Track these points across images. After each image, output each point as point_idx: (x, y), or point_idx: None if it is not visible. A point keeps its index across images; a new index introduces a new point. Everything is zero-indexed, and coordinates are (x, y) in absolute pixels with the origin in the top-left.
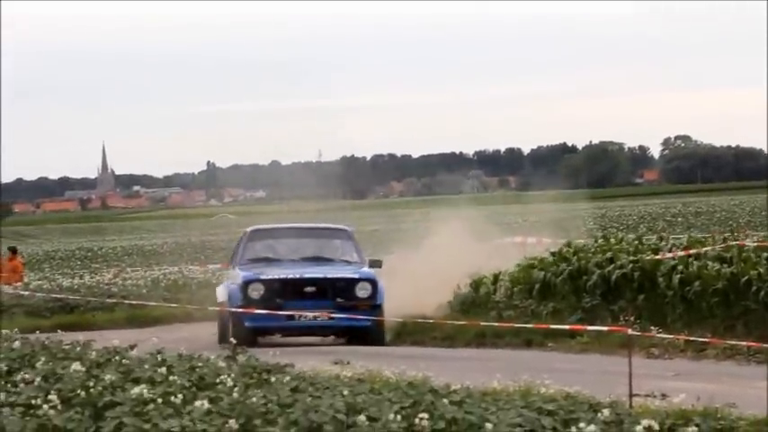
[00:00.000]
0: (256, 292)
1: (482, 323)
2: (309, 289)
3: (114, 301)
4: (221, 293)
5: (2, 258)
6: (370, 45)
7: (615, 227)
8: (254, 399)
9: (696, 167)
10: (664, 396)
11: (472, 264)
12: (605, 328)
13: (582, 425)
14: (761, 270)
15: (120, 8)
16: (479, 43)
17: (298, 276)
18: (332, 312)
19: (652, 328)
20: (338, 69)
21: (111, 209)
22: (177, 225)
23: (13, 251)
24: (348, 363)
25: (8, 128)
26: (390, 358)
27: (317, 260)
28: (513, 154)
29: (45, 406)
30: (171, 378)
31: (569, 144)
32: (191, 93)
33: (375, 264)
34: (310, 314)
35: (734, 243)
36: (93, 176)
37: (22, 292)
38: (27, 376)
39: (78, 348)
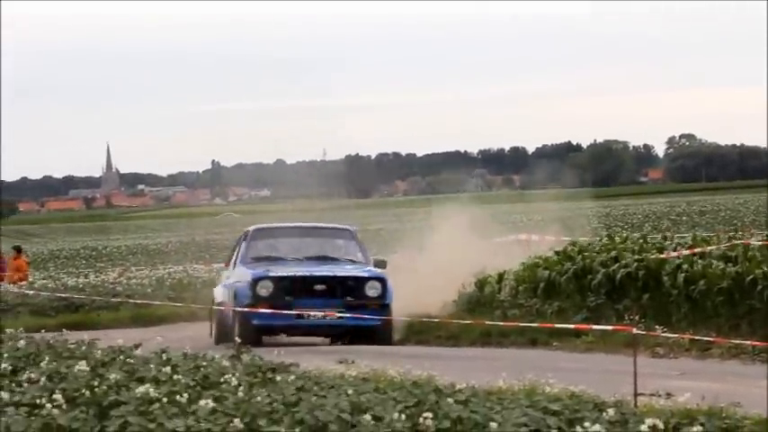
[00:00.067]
0: (265, 289)
1: (487, 322)
2: (319, 287)
3: (119, 300)
4: (220, 293)
5: (4, 257)
6: (373, 44)
7: (620, 226)
8: (259, 398)
9: (701, 166)
10: (668, 395)
11: (477, 263)
12: (610, 328)
13: (587, 424)
14: (766, 269)
15: (123, 7)
16: (482, 43)
17: (307, 274)
18: (341, 311)
19: (657, 327)
20: (341, 68)
21: (116, 208)
22: (182, 224)
23: (18, 250)
24: (353, 362)
25: (12, 127)
26: (395, 357)
27: (322, 259)
28: (518, 153)
29: (49, 405)
30: (175, 377)
31: (574, 143)
32: (194, 92)
33: (380, 264)
34: (319, 313)
35: (739, 242)
36: (97, 175)
37: (27, 292)
38: (32, 375)
39: (83, 347)
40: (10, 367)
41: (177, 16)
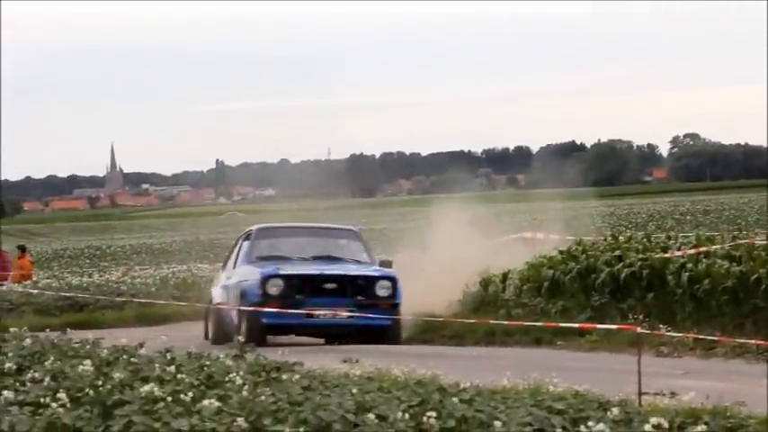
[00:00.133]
0: (275, 287)
1: (491, 321)
2: (329, 286)
3: (123, 299)
4: (219, 294)
5: (8, 256)
6: (376, 44)
7: (624, 225)
8: (263, 397)
9: (705, 165)
10: (673, 394)
11: (481, 262)
12: (614, 327)
13: (591, 423)
14: None
15: (126, 7)
16: (484, 42)
17: (318, 273)
18: (351, 311)
19: (661, 326)
20: (345, 68)
21: (120, 207)
22: (186, 223)
23: (23, 249)
24: (357, 361)
25: (16, 127)
26: (399, 356)
27: (328, 259)
28: (522, 152)
29: (54, 404)
30: (180, 377)
31: (578, 142)
32: (199, 91)
33: (385, 264)
34: (330, 312)
35: (743, 241)
36: (101, 175)
37: (31, 291)
38: (36, 375)
39: (87, 347)
40: (15, 366)
41: (182, 16)
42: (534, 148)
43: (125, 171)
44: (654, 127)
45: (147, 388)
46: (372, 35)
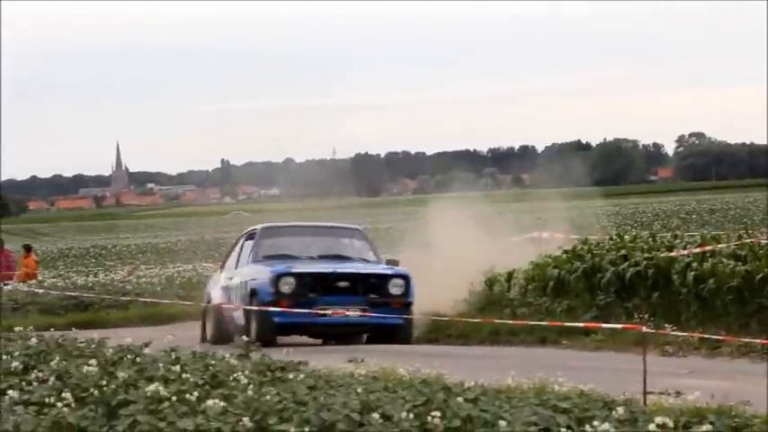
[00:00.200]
0: (288, 286)
1: (496, 321)
2: (342, 284)
3: (128, 298)
4: (218, 295)
5: (12, 255)
6: (381, 44)
7: (629, 224)
8: (269, 397)
9: (710, 165)
10: (678, 394)
11: (486, 261)
12: (619, 326)
13: (596, 423)
14: None
15: (129, 6)
16: (485, 42)
17: (331, 271)
18: (364, 309)
19: (666, 325)
20: (351, 67)
21: (126, 206)
22: (191, 222)
23: (28, 249)
24: (362, 361)
25: (21, 126)
26: (404, 356)
27: (336, 258)
28: (527, 151)
29: (59, 404)
30: (184, 376)
31: (583, 141)
32: (203, 90)
33: (392, 263)
34: (342, 310)
35: (748, 240)
36: (107, 174)
37: (37, 290)
38: (41, 374)
39: (93, 346)
40: (21, 366)
41: (185, 15)
42: (539, 148)
43: (130, 170)
44: (658, 126)
45: (151, 387)
46: (374, 35)
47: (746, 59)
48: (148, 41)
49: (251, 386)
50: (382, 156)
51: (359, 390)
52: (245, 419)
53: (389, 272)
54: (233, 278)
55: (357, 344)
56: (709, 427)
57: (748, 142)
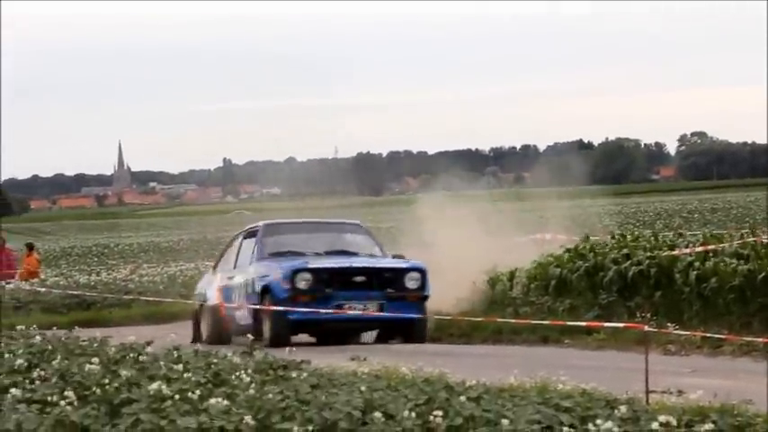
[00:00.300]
0: (304, 282)
1: (498, 320)
2: (359, 279)
3: (131, 297)
4: (216, 295)
5: (13, 254)
6: (383, 43)
7: (632, 223)
8: (271, 395)
9: (712, 164)
10: (680, 392)
11: (488, 260)
12: (622, 325)
13: (599, 421)
14: None
15: (131, 6)
16: (486, 41)
17: (347, 265)
18: (381, 304)
19: (668, 324)
20: (352, 67)
21: (128, 205)
22: (193, 221)
23: (30, 247)
24: (365, 359)
25: (23, 125)
26: (407, 355)
27: (343, 254)
28: (529, 151)
29: (62, 402)
30: (187, 375)
31: (585, 141)
32: (206, 90)
33: (397, 258)
34: (359, 306)
35: (751, 240)
36: (109, 173)
37: (39, 289)
38: (43, 373)
39: (95, 345)
40: (25, 364)
41: (187, 14)
42: (541, 147)
43: (132, 169)
44: (660, 126)
45: (154, 386)
46: (375, 34)
47: (748, 59)
48: (150, 41)
49: (253, 385)
50: (384, 155)
51: (362, 388)
52: (248, 418)
53: (405, 265)
54: (233, 277)
55: (357, 343)
56: (711, 425)
57: (750, 141)
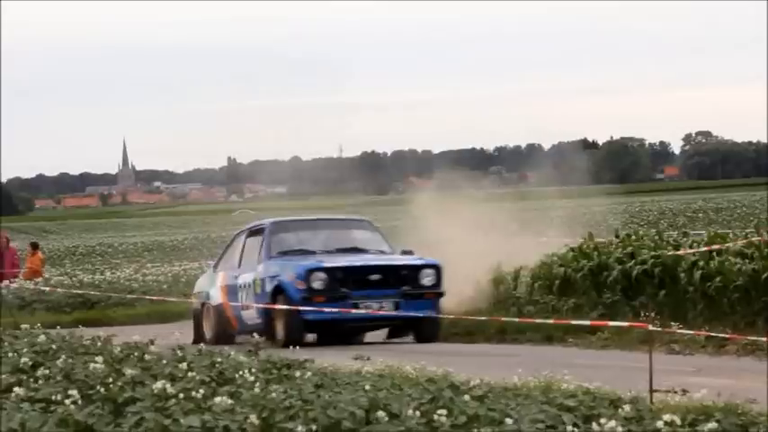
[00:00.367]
0: (319, 281)
1: (503, 319)
2: (374, 277)
3: (135, 296)
4: (218, 294)
5: (17, 253)
6: (385, 43)
7: (636, 223)
8: (275, 394)
9: (717, 163)
10: (684, 392)
11: (492, 259)
12: (626, 324)
13: (603, 420)
14: None
15: (136, 4)
16: (486, 41)
17: (362, 264)
18: (396, 303)
19: (673, 323)
20: (356, 66)
21: (132, 204)
22: (197, 221)
23: (35, 247)
24: (368, 359)
25: (27, 124)
26: (411, 354)
27: (354, 251)
28: (534, 149)
29: (66, 401)
30: (191, 374)
31: (590, 140)
32: (209, 88)
33: (406, 254)
34: (375, 305)
35: (755, 239)
36: (113, 172)
37: (43, 288)
38: (48, 372)
39: (99, 344)
40: (30, 362)
41: (193, 13)
42: (546, 146)
43: (137, 168)
44: (665, 125)
45: (158, 385)
46: (379, 34)
47: (754, 58)
48: (155, 39)
49: (257, 384)
50: (389, 154)
51: (365, 387)
52: (252, 417)
53: (420, 262)
54: (239, 276)
55: (362, 343)
56: (715, 425)
57: (755, 141)
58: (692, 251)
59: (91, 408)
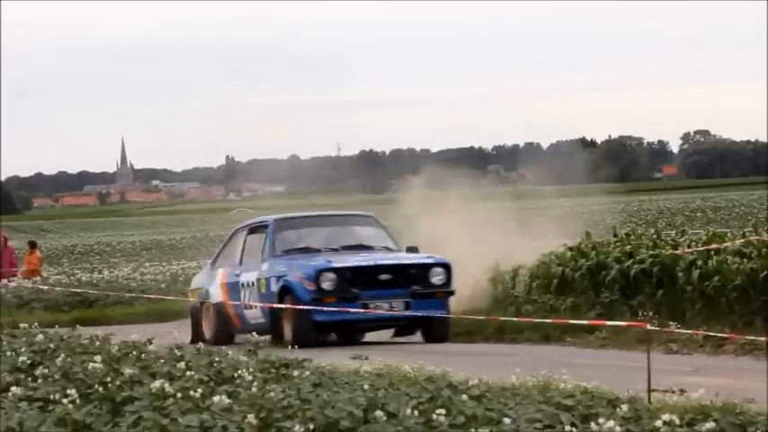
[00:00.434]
0: (329, 282)
1: (501, 318)
2: (384, 277)
3: (133, 295)
4: (219, 293)
5: (15, 252)
6: (384, 42)
7: (634, 222)
8: (273, 394)
9: (715, 162)
10: (682, 391)
11: (490, 258)
12: (624, 324)
13: (601, 420)
14: None
15: (134, 4)
16: (486, 41)
17: (371, 263)
18: (407, 302)
19: (671, 323)
20: (355, 64)
21: (130, 203)
22: (196, 220)
23: (33, 245)
24: (366, 358)
25: (26, 123)
26: (409, 353)
27: (360, 248)
28: (532, 148)
29: (64, 400)
30: (189, 373)
31: (588, 139)
32: (208, 87)
33: (412, 250)
34: (385, 305)
35: (753, 238)
36: (112, 171)
37: (41, 287)
38: (46, 371)
39: (97, 343)
40: (28, 361)
41: (191, 12)
42: (544, 145)
43: (135, 167)
44: (663, 124)
45: (156, 384)
46: (378, 33)
47: (753, 57)
48: (153, 38)
49: (255, 383)
50: (387, 153)
51: (364, 387)
52: (250, 416)
53: (430, 261)
54: (241, 274)
55: (362, 342)
56: (713, 424)
57: (753, 140)
58: (690, 250)
59: (89, 407)
